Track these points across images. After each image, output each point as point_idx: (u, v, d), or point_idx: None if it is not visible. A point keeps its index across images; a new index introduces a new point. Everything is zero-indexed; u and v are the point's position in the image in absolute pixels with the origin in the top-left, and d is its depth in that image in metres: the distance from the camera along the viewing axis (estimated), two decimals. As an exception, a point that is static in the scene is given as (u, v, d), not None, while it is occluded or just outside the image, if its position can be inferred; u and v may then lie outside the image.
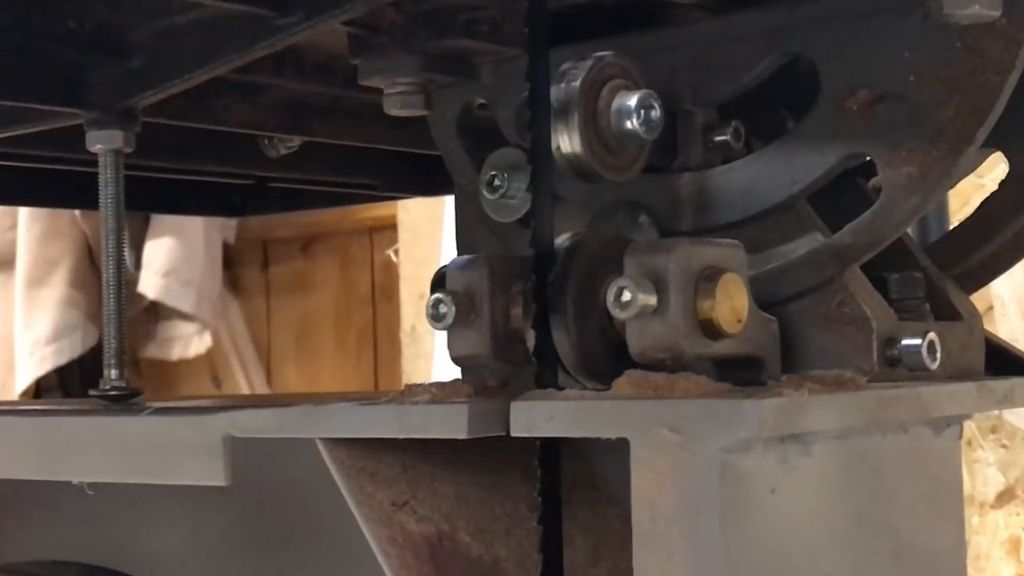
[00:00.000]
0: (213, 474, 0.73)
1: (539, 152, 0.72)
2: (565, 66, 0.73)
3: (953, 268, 0.88)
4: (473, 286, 0.75)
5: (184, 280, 2.74)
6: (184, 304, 2.76)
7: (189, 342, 2.86)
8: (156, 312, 2.86)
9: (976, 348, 0.83)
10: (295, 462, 0.79)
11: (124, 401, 0.91)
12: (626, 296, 0.68)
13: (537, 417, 0.65)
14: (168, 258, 2.72)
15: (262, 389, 2.97)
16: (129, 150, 0.94)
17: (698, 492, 0.60)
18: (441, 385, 0.72)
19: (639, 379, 0.66)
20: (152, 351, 2.89)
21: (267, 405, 0.74)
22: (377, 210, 2.66)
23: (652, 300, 0.68)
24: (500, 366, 0.75)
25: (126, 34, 0.92)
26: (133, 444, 0.77)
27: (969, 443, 1.86)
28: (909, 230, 0.84)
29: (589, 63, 0.73)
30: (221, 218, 2.74)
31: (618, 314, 0.68)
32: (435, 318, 0.75)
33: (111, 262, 0.94)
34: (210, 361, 2.98)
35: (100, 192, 0.94)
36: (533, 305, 0.72)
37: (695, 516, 0.60)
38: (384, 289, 2.84)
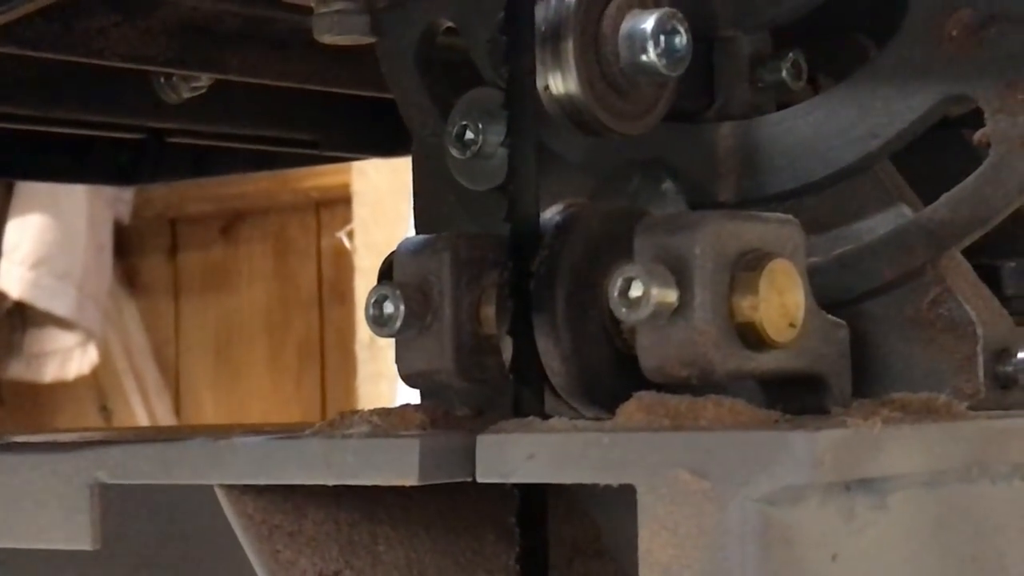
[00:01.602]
0: (77, 535, 0.74)
1: (519, 93, 0.73)
2: (557, -25, 0.74)
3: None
4: (430, 277, 0.75)
5: (60, 273, 2.76)
6: (60, 306, 2.78)
7: (68, 358, 2.87)
8: (23, 317, 2.87)
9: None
10: (189, 517, 0.80)
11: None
12: (636, 290, 0.68)
13: (512, 456, 0.66)
14: (38, 243, 2.74)
15: (168, 422, 2.99)
16: (-33, 92, 0.95)
17: (730, 559, 0.60)
18: (386, 413, 0.73)
19: (653, 404, 0.67)
20: (17, 371, 2.91)
21: (151, 440, 0.74)
22: (324, 178, 2.67)
23: (672, 296, 0.68)
24: (467, 387, 0.76)
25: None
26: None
27: None
28: None
29: (589, -30, 0.74)
30: (110, 189, 2.76)
31: (625, 315, 0.68)
32: (377, 321, 0.75)
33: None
34: (97, 384, 3.00)
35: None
36: (511, 303, 0.72)
37: (726, 591, 0.60)
38: (334, 285, 2.86)
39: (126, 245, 3.04)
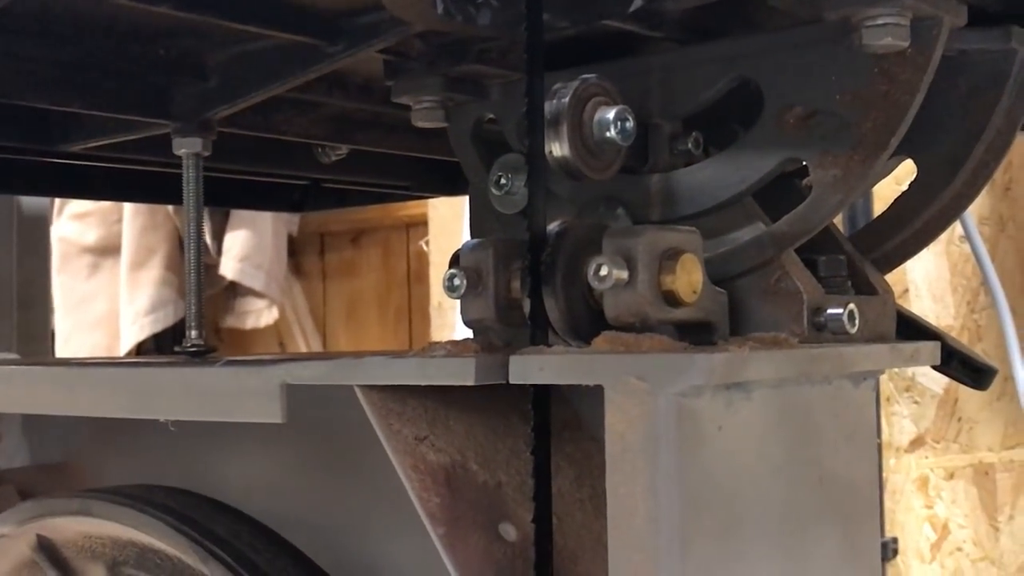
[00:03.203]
0: (272, 414, 0.73)
1: (535, 155, 0.72)
2: (556, 86, 0.73)
3: (871, 253, 0.87)
4: (481, 263, 0.75)
5: (257, 264, 2.74)
6: (257, 284, 2.77)
7: (260, 315, 2.86)
8: (234, 290, 2.86)
9: (889, 318, 0.82)
10: (338, 404, 0.79)
11: (202, 356, 0.92)
12: (603, 271, 0.68)
13: (531, 368, 0.65)
14: (244, 246, 2.72)
15: (319, 353, 2.98)
16: (207, 154, 0.95)
17: (659, 428, 0.60)
18: (455, 343, 0.72)
19: (613, 338, 0.66)
20: (230, 322, 2.90)
21: (316, 359, 0.74)
22: (412, 208, 2.65)
23: (624, 275, 0.68)
24: (503, 329, 0.75)
25: (205, 59, 0.92)
26: (207, 390, 0.76)
27: (888, 399, 1.85)
28: (837, 221, 0.84)
29: (576, 83, 0.73)
30: (286, 213, 2.75)
31: (597, 286, 0.68)
32: (450, 289, 0.75)
33: (192, 246, 0.95)
34: (277, 331, 2.98)
35: (184, 189, 0.95)
36: (529, 279, 0.72)
37: (657, 448, 0.60)
38: (417, 274, 2.84)
39: (294, 248, 3.03)
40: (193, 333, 0.92)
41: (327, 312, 3.05)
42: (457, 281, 0.75)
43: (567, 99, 0.72)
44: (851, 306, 0.77)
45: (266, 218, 2.73)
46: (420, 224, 2.71)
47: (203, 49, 0.91)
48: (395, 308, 2.92)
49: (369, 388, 0.70)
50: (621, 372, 0.61)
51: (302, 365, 0.72)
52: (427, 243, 2.59)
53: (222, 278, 2.76)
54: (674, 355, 0.61)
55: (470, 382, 0.66)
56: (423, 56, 0.86)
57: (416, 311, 2.86)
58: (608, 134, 0.73)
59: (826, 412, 0.71)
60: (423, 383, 0.68)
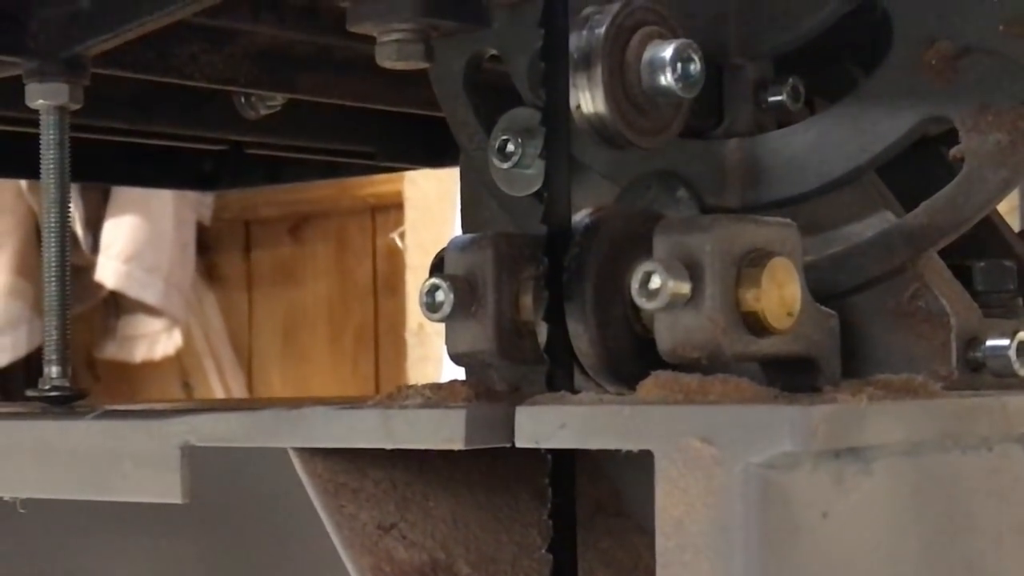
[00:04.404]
0: (167, 490, 0.74)
1: (555, 112, 0.73)
2: (588, 10, 0.74)
3: (1054, 256, 0.88)
4: (476, 270, 0.75)
5: (149, 267, 2.76)
6: (149, 295, 2.78)
7: (155, 341, 2.88)
8: (116, 305, 2.88)
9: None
10: (265, 476, 0.80)
11: (66, 403, 0.93)
12: (654, 283, 0.68)
13: (546, 425, 0.66)
14: (131, 240, 2.74)
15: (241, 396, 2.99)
16: (76, 107, 0.95)
17: (734, 515, 0.60)
18: (437, 387, 0.72)
19: (668, 381, 0.67)
20: (111, 351, 2.91)
21: (233, 409, 0.75)
22: (379, 185, 2.66)
23: (685, 288, 0.68)
24: (507, 366, 0.76)
25: (73, -31, 0.93)
26: (74, 453, 0.77)
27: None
28: (1005, 211, 0.84)
29: (616, 6, 0.73)
30: (194, 194, 2.76)
31: (645, 304, 0.69)
32: (430, 307, 0.75)
33: (54, 240, 0.95)
34: (180, 364, 3.00)
35: (41, 157, 0.95)
36: (545, 293, 0.72)
37: (730, 543, 0.60)
38: (387, 280, 2.85)
39: (207, 243, 3.04)
40: (54, 370, 0.93)
41: (254, 336, 3.07)
42: (441, 296, 0.75)
43: (603, 29, 0.73)
44: (1022, 335, 0.77)
45: (164, 200, 2.75)
46: (391, 208, 2.73)
47: (71, -46, 0.92)
48: (354, 331, 2.94)
49: (311, 453, 0.71)
50: (678, 432, 0.61)
51: (213, 419, 0.73)
52: (401, 236, 2.60)
53: (99, 286, 2.77)
54: (757, 408, 0.62)
55: (458, 445, 0.67)
56: (393, -39, 0.87)
57: (385, 335, 2.87)
58: (663, 80, 0.74)
59: (984, 492, 0.71)
60: (388, 446, 0.68)
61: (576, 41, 0.73)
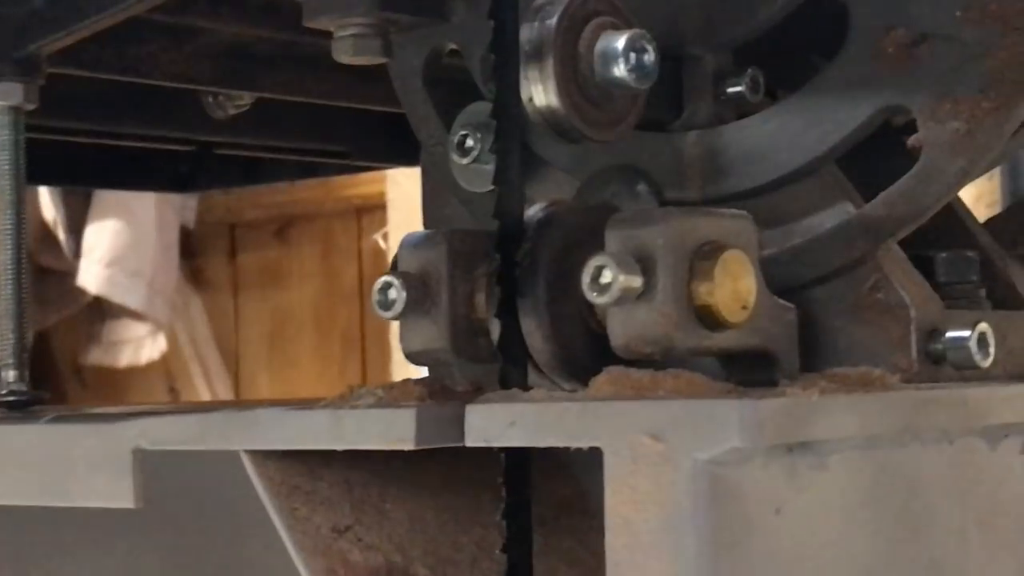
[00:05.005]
0: (119, 495, 0.73)
1: (505, 104, 0.72)
2: (540, 0, 0.73)
3: (1020, 247, 0.87)
4: (429, 267, 0.75)
5: (132, 271, 2.76)
6: (133, 300, 2.78)
7: (140, 346, 2.87)
8: (101, 310, 2.87)
9: (1046, 344, 0.82)
10: (218, 479, 0.80)
11: (22, 408, 0.92)
12: (606, 277, 0.67)
13: (496, 423, 0.65)
14: (113, 244, 2.74)
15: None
16: (31, 107, 0.95)
17: (683, 512, 0.60)
18: (389, 386, 0.72)
19: (620, 377, 0.66)
20: (97, 357, 2.91)
21: (186, 412, 0.74)
22: (364, 186, 2.66)
23: (637, 282, 0.68)
24: (461, 364, 0.75)
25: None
26: (26, 458, 0.77)
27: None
28: (968, 198, 0.84)
29: (568, -4, 0.73)
30: (179, 198, 2.76)
31: (596, 299, 0.68)
32: (382, 305, 0.75)
33: (10, 242, 0.95)
34: (167, 368, 2.99)
35: (-7, 160, 0.95)
36: (498, 289, 0.72)
37: (680, 542, 0.60)
38: (373, 282, 2.84)
39: (191, 247, 3.04)
40: (11, 374, 0.93)
41: (241, 340, 3.06)
42: (393, 294, 0.75)
43: (554, 19, 0.72)
44: (982, 326, 0.76)
45: (146, 203, 2.74)
46: (376, 209, 2.72)
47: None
48: (341, 333, 2.93)
49: (263, 455, 0.71)
50: (626, 428, 0.61)
51: (165, 422, 0.73)
52: (385, 236, 2.60)
53: (82, 291, 2.77)
54: (706, 402, 0.61)
55: (408, 445, 0.66)
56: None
57: (372, 337, 2.86)
58: (616, 72, 0.73)
59: (945, 485, 0.71)
60: (338, 447, 0.68)
61: (527, 32, 0.72)
